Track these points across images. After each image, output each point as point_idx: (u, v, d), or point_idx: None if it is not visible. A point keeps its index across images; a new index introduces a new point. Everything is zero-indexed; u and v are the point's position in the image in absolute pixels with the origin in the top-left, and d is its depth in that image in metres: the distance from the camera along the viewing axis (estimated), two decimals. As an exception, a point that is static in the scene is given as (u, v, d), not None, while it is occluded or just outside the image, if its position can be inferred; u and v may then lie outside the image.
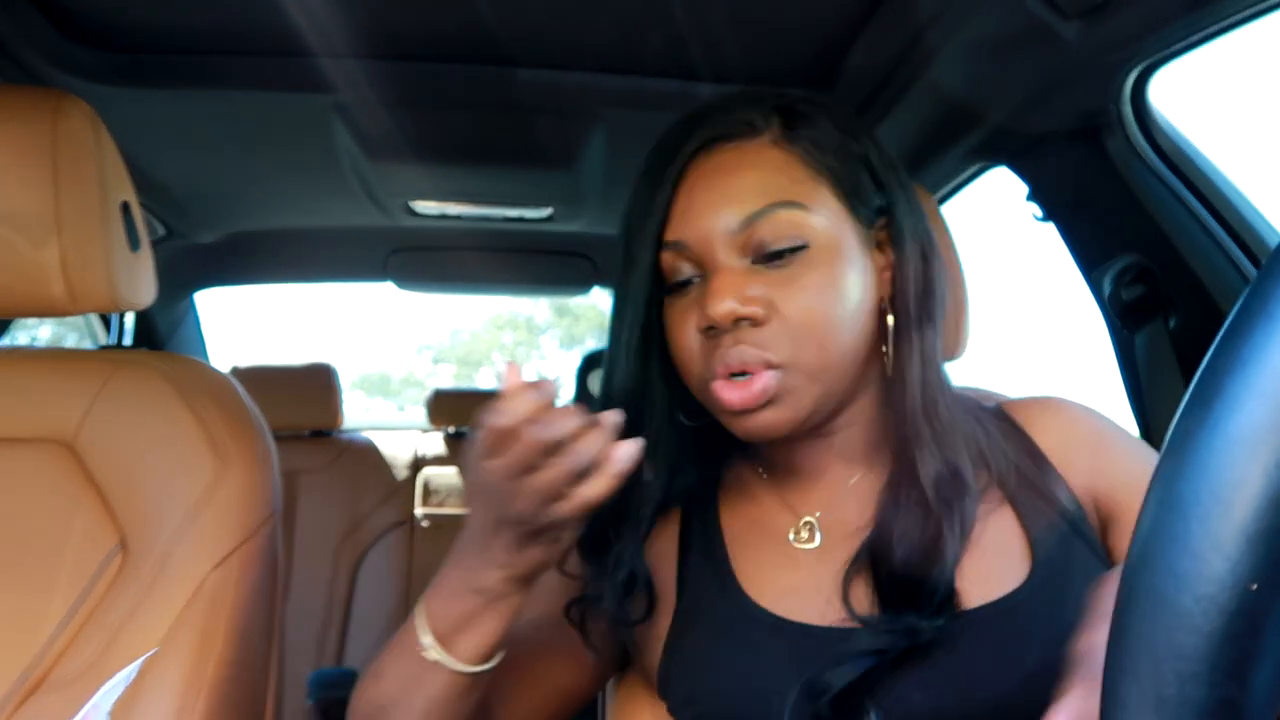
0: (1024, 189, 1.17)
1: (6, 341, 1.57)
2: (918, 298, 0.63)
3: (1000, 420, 0.69)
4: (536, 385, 0.51)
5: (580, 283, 2.08)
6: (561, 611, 0.70)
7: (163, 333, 1.98)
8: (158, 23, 1.05)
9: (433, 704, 0.61)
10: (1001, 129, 1.10)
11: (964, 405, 0.67)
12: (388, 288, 2.05)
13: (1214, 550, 0.22)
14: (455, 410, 2.33)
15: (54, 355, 0.85)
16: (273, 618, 0.85)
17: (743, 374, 0.60)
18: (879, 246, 0.65)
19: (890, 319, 0.64)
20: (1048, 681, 0.48)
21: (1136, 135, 1.00)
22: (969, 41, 0.95)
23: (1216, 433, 0.23)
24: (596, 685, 0.76)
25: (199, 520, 0.77)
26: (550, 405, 0.52)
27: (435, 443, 2.29)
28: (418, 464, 2.24)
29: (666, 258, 0.64)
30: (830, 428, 0.66)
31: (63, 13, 1.01)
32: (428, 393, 2.42)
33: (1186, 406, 0.24)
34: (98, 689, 0.68)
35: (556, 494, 0.52)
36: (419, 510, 2.20)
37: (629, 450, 0.52)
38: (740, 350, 0.59)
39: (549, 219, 1.73)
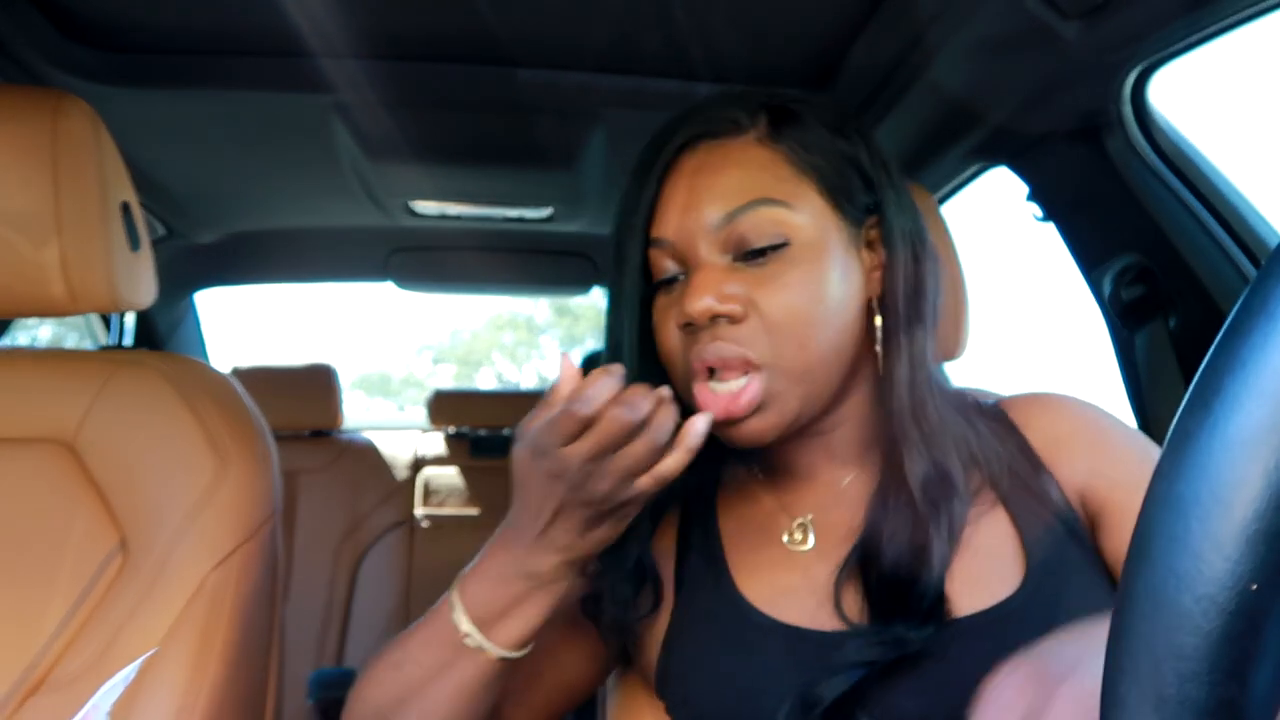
0: (1024, 189, 1.17)
1: (6, 341, 1.57)
2: (907, 297, 0.63)
3: (996, 419, 0.68)
4: (606, 370, 0.55)
5: (580, 283, 2.08)
6: (575, 605, 0.70)
7: (163, 333, 1.98)
8: (158, 23, 1.05)
9: (462, 691, 0.61)
10: (1001, 129, 1.10)
11: (958, 405, 0.67)
12: (388, 288, 2.05)
13: (1214, 550, 0.22)
14: (455, 410, 2.32)
15: (54, 355, 0.85)
16: (273, 618, 0.85)
17: (726, 378, 0.60)
18: (869, 246, 0.65)
19: (879, 319, 0.64)
20: None
21: (1136, 135, 1.00)
22: (969, 41, 0.95)
23: (1216, 433, 0.23)
24: (599, 680, 0.76)
25: (199, 520, 0.77)
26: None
27: (435, 443, 2.29)
28: (418, 464, 2.24)
29: (653, 255, 0.64)
30: (822, 426, 0.66)
31: (63, 13, 1.01)
32: (428, 393, 2.42)
33: (1186, 406, 0.24)
34: (98, 689, 0.68)
35: (639, 471, 0.55)
36: (419, 510, 2.19)
37: (701, 425, 0.56)
38: (717, 346, 0.59)
39: (549, 219, 1.73)
